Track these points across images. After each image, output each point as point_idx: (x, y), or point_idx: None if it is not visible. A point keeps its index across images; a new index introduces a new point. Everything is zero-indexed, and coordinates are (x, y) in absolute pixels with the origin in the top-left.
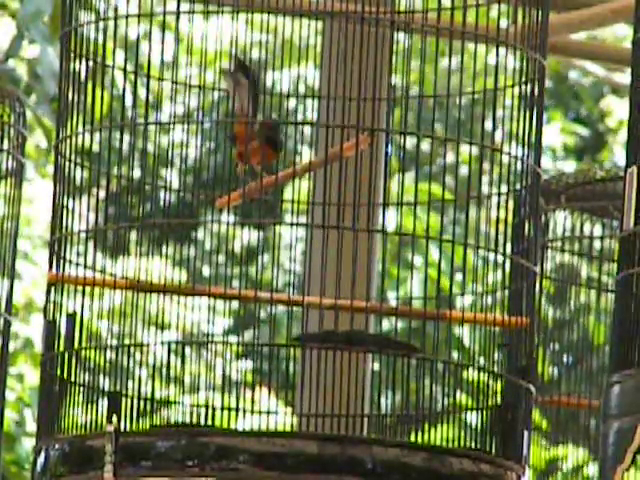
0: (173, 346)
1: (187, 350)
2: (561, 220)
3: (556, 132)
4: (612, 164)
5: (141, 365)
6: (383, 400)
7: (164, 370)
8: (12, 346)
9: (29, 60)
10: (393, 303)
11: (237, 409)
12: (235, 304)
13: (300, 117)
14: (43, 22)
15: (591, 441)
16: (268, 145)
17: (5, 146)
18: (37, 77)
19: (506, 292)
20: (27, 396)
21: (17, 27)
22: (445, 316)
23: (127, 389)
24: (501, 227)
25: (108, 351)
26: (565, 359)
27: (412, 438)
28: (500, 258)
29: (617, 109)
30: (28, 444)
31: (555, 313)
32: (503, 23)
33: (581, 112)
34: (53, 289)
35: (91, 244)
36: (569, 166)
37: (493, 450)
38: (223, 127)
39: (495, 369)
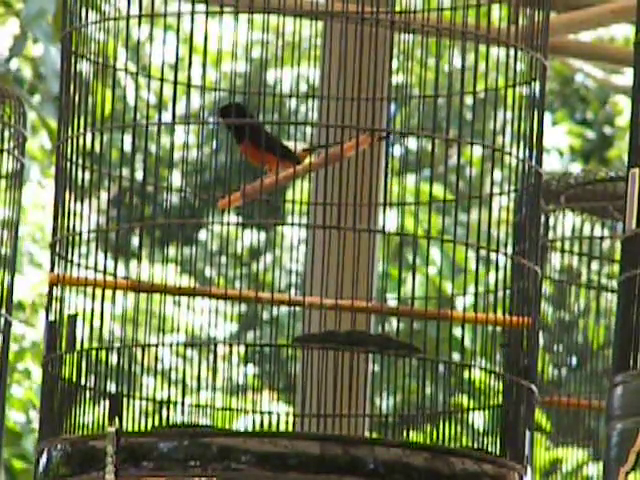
0: (175, 348)
1: (190, 351)
2: (561, 220)
3: (562, 134)
4: (622, 164)
5: (142, 366)
6: (384, 400)
7: (166, 371)
8: (17, 346)
9: (32, 60)
10: (394, 303)
11: (239, 410)
12: (240, 308)
13: (301, 117)
14: (46, 22)
15: (592, 442)
16: (254, 145)
17: (5, 146)
18: (40, 77)
19: (507, 292)
20: (33, 393)
21: (20, 27)
22: (446, 316)
23: (129, 390)
24: (502, 227)
25: (109, 352)
26: (567, 360)
27: (414, 438)
28: (501, 258)
29: (627, 108)
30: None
31: (556, 314)
32: (504, 23)
33: (587, 114)
34: (54, 290)
35: (93, 245)
36: (576, 168)
37: (495, 450)
38: (225, 127)
39: (497, 369)
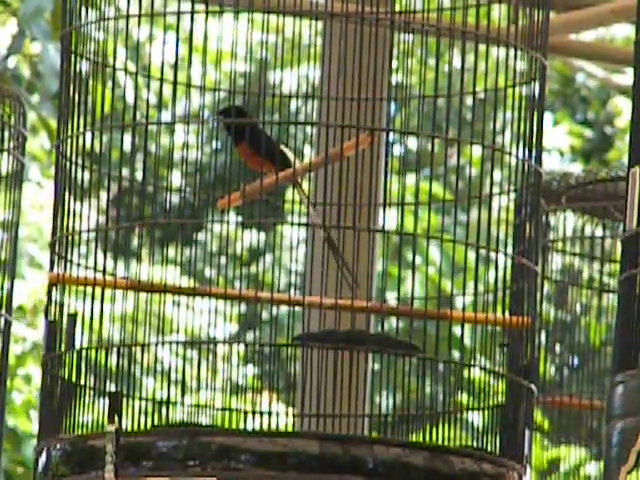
0: (175, 347)
1: (189, 351)
2: (562, 221)
3: (563, 134)
4: (621, 165)
5: (142, 366)
6: (384, 399)
7: (166, 371)
8: (20, 348)
9: (31, 58)
10: (394, 303)
11: (238, 409)
12: (240, 308)
13: (302, 117)
14: (44, 20)
15: (592, 441)
16: (253, 151)
17: (5, 146)
18: (39, 75)
19: (507, 292)
20: (34, 398)
21: (18, 25)
22: (446, 316)
23: (128, 390)
24: (502, 227)
25: (109, 351)
26: (567, 360)
27: (413, 438)
28: (501, 258)
29: (627, 109)
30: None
31: (557, 314)
32: (504, 23)
33: (588, 114)
34: (54, 289)
35: (92, 245)
36: (577, 168)
37: (495, 450)
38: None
39: (496, 369)
